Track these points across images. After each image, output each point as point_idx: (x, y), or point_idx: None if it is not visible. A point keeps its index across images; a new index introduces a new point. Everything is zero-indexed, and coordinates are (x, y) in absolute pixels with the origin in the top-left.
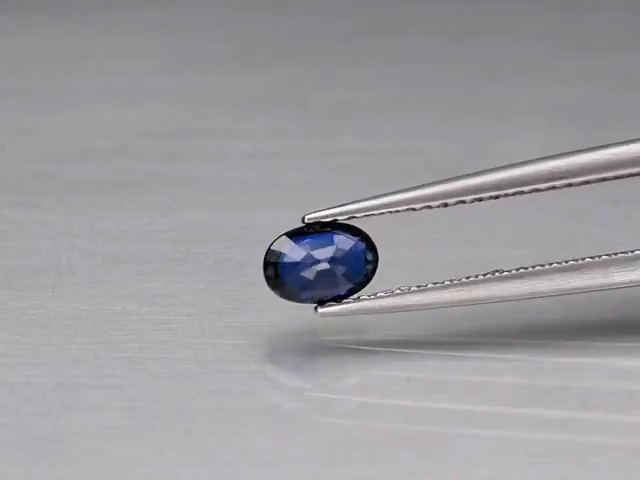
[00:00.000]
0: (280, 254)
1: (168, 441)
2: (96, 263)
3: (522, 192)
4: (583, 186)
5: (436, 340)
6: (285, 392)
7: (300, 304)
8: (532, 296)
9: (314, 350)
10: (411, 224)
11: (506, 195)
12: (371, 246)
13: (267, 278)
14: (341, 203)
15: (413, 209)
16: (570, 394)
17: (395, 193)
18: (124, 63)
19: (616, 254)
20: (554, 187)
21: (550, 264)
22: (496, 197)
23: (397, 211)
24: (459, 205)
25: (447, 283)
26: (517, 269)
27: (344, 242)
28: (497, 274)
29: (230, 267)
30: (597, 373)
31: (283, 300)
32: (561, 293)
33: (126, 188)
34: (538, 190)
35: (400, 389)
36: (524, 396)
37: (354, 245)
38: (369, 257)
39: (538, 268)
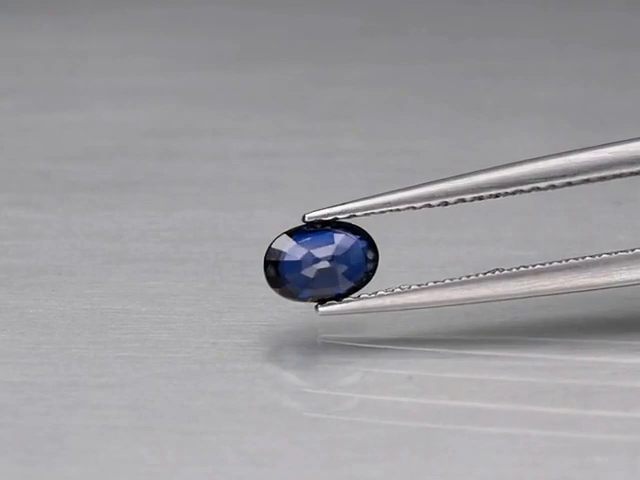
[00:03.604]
0: (280, 253)
1: (168, 441)
2: (96, 263)
3: (522, 191)
4: (584, 186)
5: (437, 338)
6: (285, 392)
7: (300, 303)
8: (532, 295)
9: (314, 349)
10: (411, 224)
11: (506, 194)
12: (371, 244)
13: (268, 277)
14: (341, 202)
15: (413, 207)
16: (570, 392)
17: (395, 192)
18: (124, 63)
19: (617, 253)
20: (553, 186)
21: (550, 263)
22: (496, 196)
23: (397, 209)
24: (459, 204)
25: (447, 282)
26: (517, 268)
27: (344, 240)
28: (497, 273)
29: (230, 267)
30: (597, 371)
31: (283, 299)
32: (562, 292)
33: (126, 188)
34: (538, 189)
35: (401, 388)
36: (524, 395)
37: (354, 243)
38: (369, 256)
39: (538, 267)
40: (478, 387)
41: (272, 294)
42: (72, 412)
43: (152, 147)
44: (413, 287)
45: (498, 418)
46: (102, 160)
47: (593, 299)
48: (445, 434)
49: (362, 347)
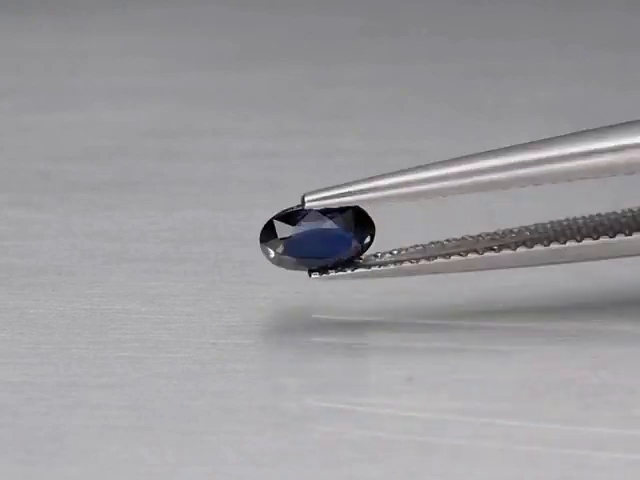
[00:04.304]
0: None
1: (168, 441)
2: (96, 263)
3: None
4: (583, 187)
5: (436, 338)
6: (285, 392)
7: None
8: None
9: (314, 349)
10: (411, 224)
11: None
12: (369, 224)
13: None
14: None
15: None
16: (570, 391)
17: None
18: (124, 63)
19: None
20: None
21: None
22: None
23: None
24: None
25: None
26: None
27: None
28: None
29: (230, 267)
30: (597, 371)
31: (283, 297)
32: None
33: (126, 188)
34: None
35: (400, 388)
36: (524, 394)
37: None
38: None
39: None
40: (478, 387)
41: (272, 294)
42: (72, 412)
43: (152, 147)
44: (410, 249)
45: (498, 418)
46: (102, 160)
47: (589, 299)
48: (445, 434)
49: (362, 348)
